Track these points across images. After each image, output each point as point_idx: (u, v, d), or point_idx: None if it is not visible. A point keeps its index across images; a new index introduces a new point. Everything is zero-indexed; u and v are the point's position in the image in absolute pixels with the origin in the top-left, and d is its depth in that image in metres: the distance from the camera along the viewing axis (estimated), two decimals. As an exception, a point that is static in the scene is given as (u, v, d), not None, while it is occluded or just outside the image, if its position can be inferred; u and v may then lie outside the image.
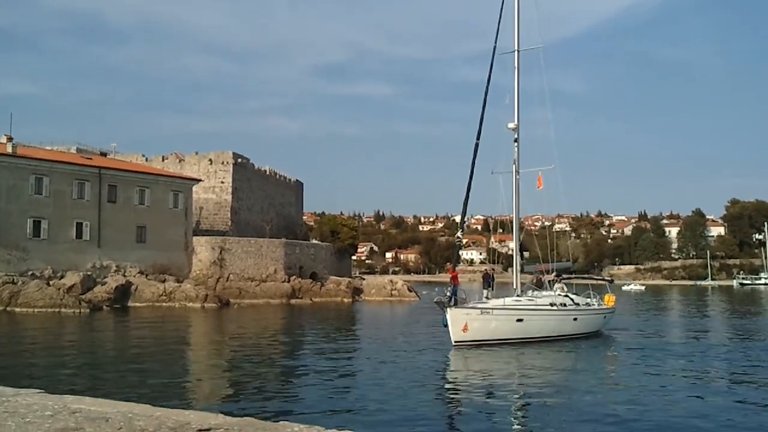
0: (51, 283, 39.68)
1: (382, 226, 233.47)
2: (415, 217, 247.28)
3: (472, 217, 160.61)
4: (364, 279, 70.08)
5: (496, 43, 28.31)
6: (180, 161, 63.28)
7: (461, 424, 13.03)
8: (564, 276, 31.28)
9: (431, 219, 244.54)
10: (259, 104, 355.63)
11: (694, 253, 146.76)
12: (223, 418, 3.36)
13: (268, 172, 70.89)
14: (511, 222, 29.73)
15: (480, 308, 24.32)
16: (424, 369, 18.87)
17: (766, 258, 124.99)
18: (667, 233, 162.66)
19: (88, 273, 42.33)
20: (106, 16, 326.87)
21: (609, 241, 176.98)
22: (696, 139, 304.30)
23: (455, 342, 22.97)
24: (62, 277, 40.79)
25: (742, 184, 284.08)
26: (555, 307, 26.32)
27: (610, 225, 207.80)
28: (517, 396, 15.30)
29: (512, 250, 33.44)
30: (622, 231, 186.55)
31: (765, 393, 15.86)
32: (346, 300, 52.72)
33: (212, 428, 3.13)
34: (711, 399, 14.86)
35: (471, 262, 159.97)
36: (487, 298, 27.06)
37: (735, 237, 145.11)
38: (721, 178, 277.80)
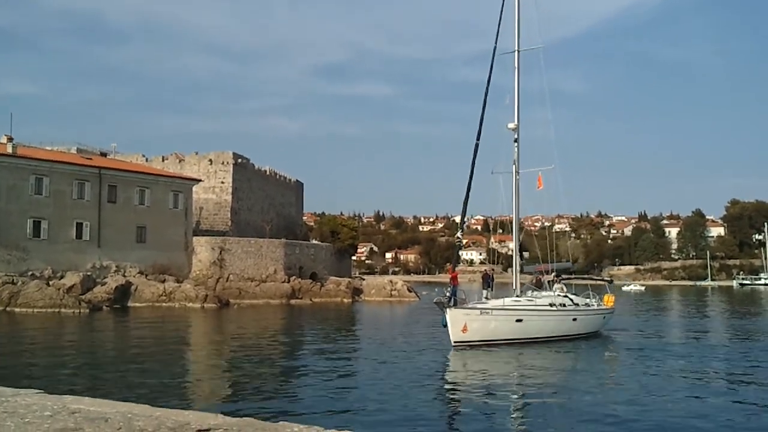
0: (51, 283, 39.67)
1: (382, 227, 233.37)
2: (415, 217, 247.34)
3: (472, 217, 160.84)
4: (363, 279, 70.06)
5: (496, 43, 28.36)
6: (180, 161, 63.30)
7: (461, 424, 13.04)
8: (563, 276, 31.33)
9: (431, 219, 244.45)
10: (259, 104, 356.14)
11: (694, 254, 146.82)
12: (223, 418, 3.36)
13: (268, 172, 70.90)
14: (511, 222, 29.74)
15: (479, 309, 24.32)
16: (423, 369, 18.85)
17: (766, 258, 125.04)
18: (667, 234, 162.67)
19: (88, 273, 42.34)
20: (106, 16, 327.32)
21: (609, 241, 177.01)
22: (696, 139, 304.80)
23: (455, 342, 22.96)
24: (62, 277, 40.78)
25: (742, 184, 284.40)
26: (554, 308, 26.32)
27: (610, 225, 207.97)
28: (516, 396, 15.30)
29: (512, 250, 33.42)
30: (622, 231, 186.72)
31: (765, 393, 15.85)
32: (345, 300, 52.70)
33: (212, 428, 3.13)
34: (710, 399, 14.86)
35: (471, 263, 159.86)
36: (486, 298, 27.01)
37: (735, 237, 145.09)
38: (721, 178, 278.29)
